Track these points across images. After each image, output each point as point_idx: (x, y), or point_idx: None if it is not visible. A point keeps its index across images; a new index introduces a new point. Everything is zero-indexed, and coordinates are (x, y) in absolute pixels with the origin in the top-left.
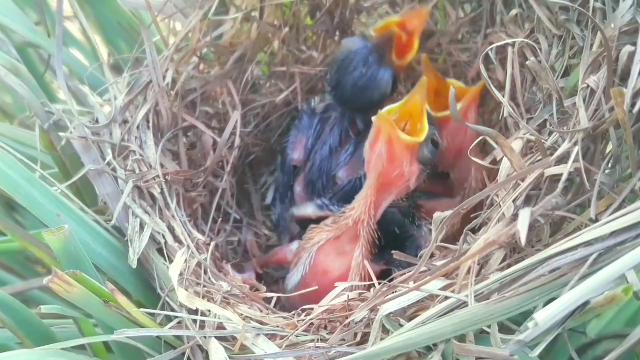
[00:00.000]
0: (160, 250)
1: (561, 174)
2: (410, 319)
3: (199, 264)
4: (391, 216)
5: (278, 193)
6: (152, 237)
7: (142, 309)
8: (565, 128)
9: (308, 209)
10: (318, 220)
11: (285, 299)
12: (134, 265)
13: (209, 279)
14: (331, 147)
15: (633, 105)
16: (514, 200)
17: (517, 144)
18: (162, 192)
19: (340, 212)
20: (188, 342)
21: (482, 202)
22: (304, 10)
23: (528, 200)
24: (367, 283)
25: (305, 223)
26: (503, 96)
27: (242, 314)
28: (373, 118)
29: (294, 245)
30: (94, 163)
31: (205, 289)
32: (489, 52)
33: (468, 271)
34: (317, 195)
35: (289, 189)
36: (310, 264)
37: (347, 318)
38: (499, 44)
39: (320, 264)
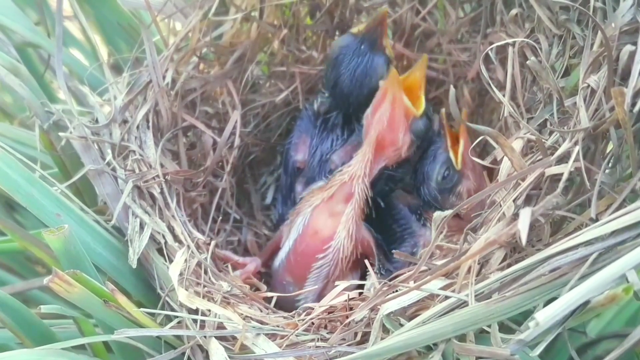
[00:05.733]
0: (160, 250)
1: (562, 174)
2: (410, 318)
3: (199, 264)
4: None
5: (280, 195)
6: (152, 237)
7: (142, 309)
8: (565, 128)
9: None
10: None
11: (273, 274)
12: (134, 265)
13: (209, 278)
14: (332, 143)
15: (633, 105)
16: (514, 200)
17: (517, 144)
18: (162, 192)
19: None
20: (188, 342)
21: None
22: (304, 10)
23: (528, 200)
24: (363, 283)
25: None
26: (503, 96)
27: (242, 314)
28: (381, 81)
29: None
30: (94, 163)
31: (206, 288)
32: (489, 52)
33: (468, 271)
34: None
35: (292, 191)
36: (304, 224)
37: (347, 317)
38: (499, 43)
39: (312, 225)
